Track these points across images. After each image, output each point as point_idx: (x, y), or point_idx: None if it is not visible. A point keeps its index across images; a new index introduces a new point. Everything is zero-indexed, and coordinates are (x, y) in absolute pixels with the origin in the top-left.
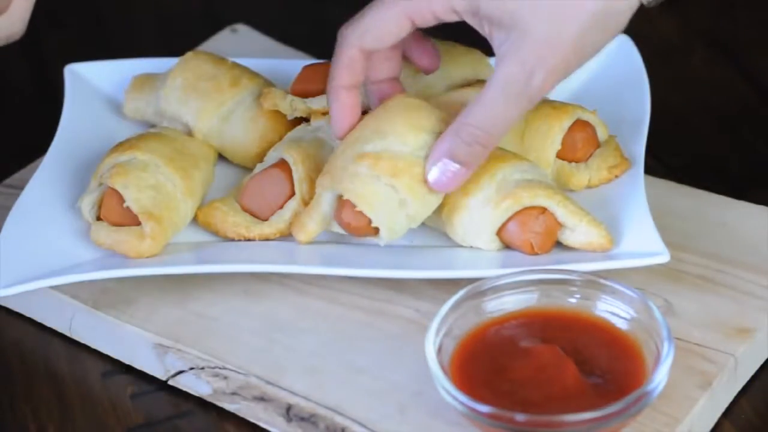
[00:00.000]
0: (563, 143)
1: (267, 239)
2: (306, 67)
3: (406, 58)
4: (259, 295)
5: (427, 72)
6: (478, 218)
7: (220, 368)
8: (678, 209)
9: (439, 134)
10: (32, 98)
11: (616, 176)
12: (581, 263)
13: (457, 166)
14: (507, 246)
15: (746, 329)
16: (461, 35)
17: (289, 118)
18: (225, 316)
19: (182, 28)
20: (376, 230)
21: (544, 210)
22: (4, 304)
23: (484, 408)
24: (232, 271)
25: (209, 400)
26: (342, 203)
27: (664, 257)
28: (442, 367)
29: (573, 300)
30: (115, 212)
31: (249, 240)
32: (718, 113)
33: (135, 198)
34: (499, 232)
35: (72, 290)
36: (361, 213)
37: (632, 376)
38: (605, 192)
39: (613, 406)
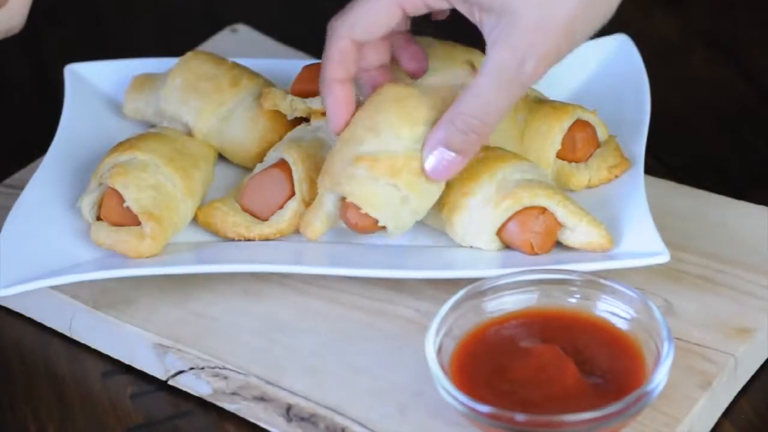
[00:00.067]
0: (563, 143)
1: (267, 239)
2: (306, 67)
3: (395, 61)
4: (259, 295)
5: (415, 77)
6: (478, 218)
7: (220, 368)
8: (678, 209)
9: (432, 123)
10: (32, 98)
11: (616, 176)
12: (581, 263)
13: (453, 154)
14: (507, 246)
15: (746, 329)
16: (461, 35)
17: (289, 118)
18: (225, 316)
19: (182, 28)
20: (384, 227)
21: (544, 210)
22: (4, 304)
23: (484, 408)
24: (232, 271)
25: (209, 400)
26: (346, 205)
27: (664, 257)
28: (442, 367)
29: (573, 300)
30: (115, 212)
31: (249, 240)
32: (718, 113)
33: (135, 198)
34: (499, 232)
35: (72, 290)
36: (366, 214)
37: (632, 376)
38: (605, 192)
39: (613, 406)
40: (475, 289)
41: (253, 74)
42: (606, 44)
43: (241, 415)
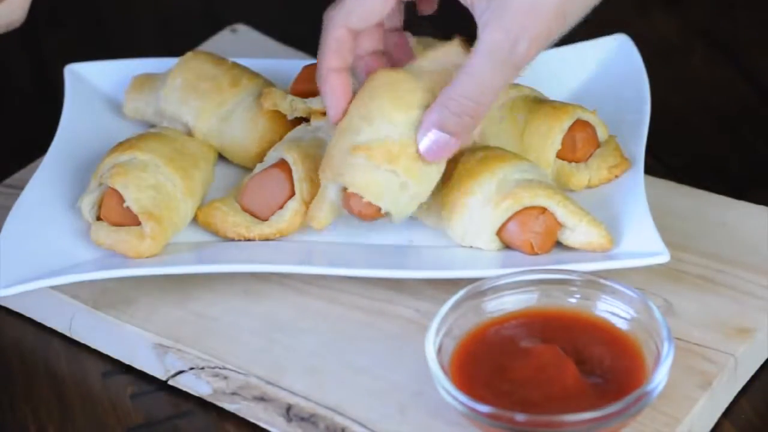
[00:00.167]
0: (563, 143)
1: (267, 239)
2: (306, 67)
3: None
4: (259, 295)
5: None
6: (478, 218)
7: (220, 368)
8: (678, 209)
9: (426, 106)
10: (32, 98)
11: (616, 176)
12: (581, 263)
13: (447, 136)
14: (507, 246)
15: (746, 329)
16: (460, 31)
17: (289, 118)
18: (225, 316)
19: (182, 28)
20: (387, 213)
21: (544, 210)
22: (4, 304)
23: (484, 408)
24: (232, 271)
25: (209, 400)
26: (348, 194)
27: (664, 257)
28: (442, 367)
29: (573, 300)
30: (115, 212)
31: (249, 240)
32: (718, 113)
33: (135, 198)
34: (499, 232)
35: (72, 290)
36: (368, 202)
37: (632, 376)
38: (605, 192)
39: (613, 406)
40: (475, 289)
41: (253, 74)
42: (606, 44)
43: (241, 415)
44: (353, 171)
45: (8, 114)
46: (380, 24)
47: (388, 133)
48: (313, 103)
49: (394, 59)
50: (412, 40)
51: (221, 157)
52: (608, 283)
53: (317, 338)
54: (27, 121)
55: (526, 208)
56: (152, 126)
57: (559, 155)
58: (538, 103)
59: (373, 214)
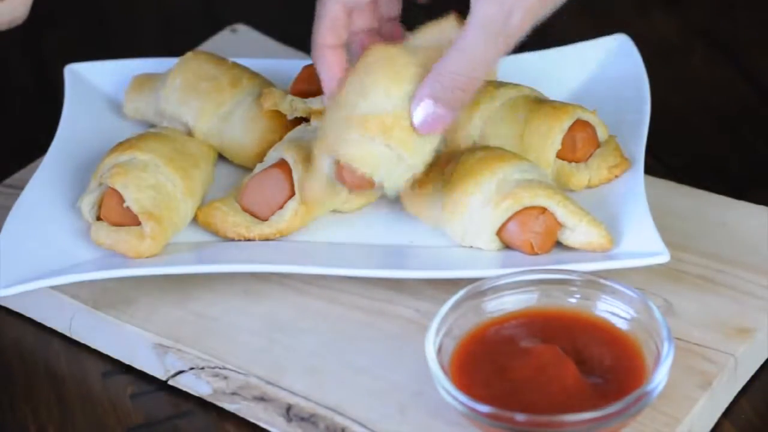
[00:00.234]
0: (563, 143)
1: (267, 239)
2: (306, 67)
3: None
4: (259, 295)
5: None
6: (478, 218)
7: (220, 368)
8: (678, 209)
9: (420, 81)
10: (32, 98)
11: (616, 176)
12: (581, 263)
13: (441, 109)
14: (507, 246)
15: (746, 329)
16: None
17: (289, 118)
18: (225, 316)
19: (182, 28)
20: (380, 186)
21: (544, 210)
22: (4, 304)
23: (484, 408)
24: (232, 271)
25: (209, 400)
26: (341, 166)
27: (664, 257)
28: (442, 367)
29: (573, 300)
30: (115, 212)
31: (249, 240)
32: (718, 113)
33: (135, 198)
34: (499, 232)
35: (72, 290)
36: (361, 174)
37: (632, 376)
38: (605, 192)
39: (613, 406)
40: (475, 289)
41: (253, 74)
42: (606, 44)
43: (241, 415)
44: (348, 144)
45: (8, 114)
46: (374, 1)
47: (382, 106)
48: (313, 103)
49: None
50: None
51: (221, 157)
52: (608, 283)
53: (317, 338)
54: (27, 121)
55: (526, 208)
56: (152, 126)
57: (559, 155)
58: (538, 103)
59: (366, 186)
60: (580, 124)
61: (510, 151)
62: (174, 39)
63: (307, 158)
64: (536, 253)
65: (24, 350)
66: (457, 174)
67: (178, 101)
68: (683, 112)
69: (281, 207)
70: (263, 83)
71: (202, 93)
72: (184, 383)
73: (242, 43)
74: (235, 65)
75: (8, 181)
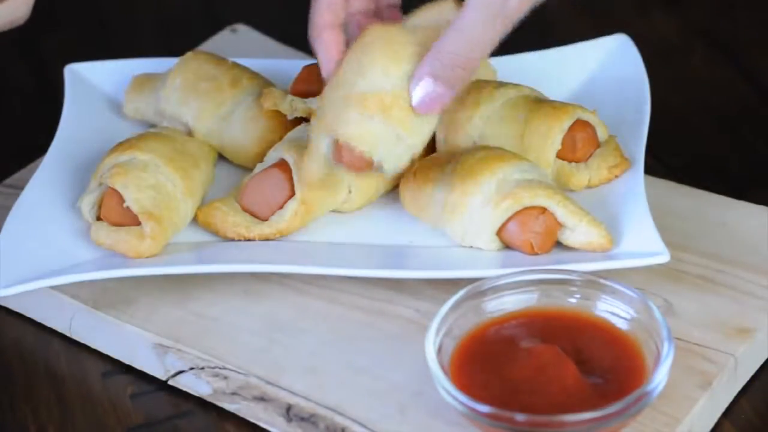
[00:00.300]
0: (563, 143)
1: (267, 239)
2: (306, 67)
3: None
4: (259, 295)
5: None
6: (478, 218)
7: (220, 368)
8: (678, 209)
9: (419, 61)
10: (32, 98)
11: (616, 176)
12: (581, 263)
13: (440, 88)
14: (507, 246)
15: (746, 329)
16: None
17: (289, 118)
18: (225, 316)
19: (182, 28)
20: (378, 167)
21: (544, 210)
22: (4, 304)
23: (484, 408)
24: (232, 271)
25: (209, 400)
26: (339, 146)
27: (664, 257)
28: (442, 367)
29: (573, 300)
30: (115, 212)
31: (249, 240)
32: (718, 113)
33: (135, 198)
34: (499, 232)
35: (72, 290)
36: (360, 154)
37: (632, 376)
38: (605, 192)
39: (613, 406)
40: (475, 289)
41: (253, 74)
42: (606, 44)
43: (241, 415)
44: (347, 123)
45: (8, 114)
46: None
47: (381, 85)
48: (313, 103)
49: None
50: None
51: (221, 157)
52: (608, 283)
53: (317, 338)
54: (27, 121)
55: (526, 208)
56: (152, 126)
57: (559, 155)
58: (538, 103)
59: (365, 167)
60: (580, 124)
61: (510, 151)
62: (174, 39)
63: None
64: (536, 253)
65: (24, 350)
66: (457, 174)
67: (178, 101)
68: (683, 112)
69: (281, 207)
70: (263, 83)
71: (202, 93)
72: (184, 383)
73: (242, 43)
74: (235, 65)
75: (8, 181)
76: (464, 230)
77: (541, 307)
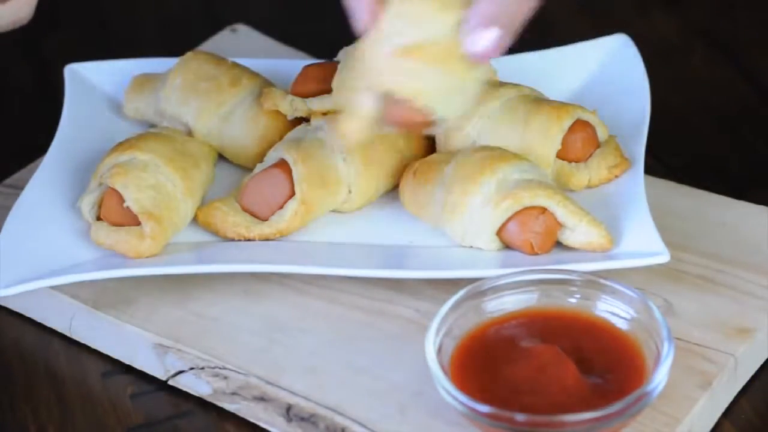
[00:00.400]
0: (563, 143)
1: (267, 239)
2: (306, 67)
3: None
4: (259, 295)
5: None
6: (478, 218)
7: (220, 368)
8: (678, 209)
9: (469, 7)
10: (32, 98)
11: (616, 176)
12: (581, 263)
13: (496, 33)
14: (507, 246)
15: (746, 329)
16: None
17: (289, 118)
18: (225, 316)
19: (182, 28)
20: (432, 122)
21: (544, 210)
22: (4, 304)
23: (484, 408)
24: (232, 271)
25: (209, 400)
26: (392, 101)
27: (664, 257)
28: (442, 367)
29: (573, 300)
30: (115, 212)
31: (249, 240)
32: (718, 113)
33: (135, 198)
34: (499, 232)
35: (72, 290)
36: (415, 108)
37: (632, 376)
38: (605, 192)
39: (613, 406)
40: (475, 289)
41: (253, 74)
42: (606, 44)
43: (241, 415)
44: (403, 75)
45: (8, 114)
46: None
47: (436, 34)
48: (313, 103)
49: None
50: None
51: (221, 157)
52: (608, 283)
53: (317, 338)
54: (27, 121)
55: (526, 208)
56: (152, 126)
57: (559, 155)
58: (538, 103)
59: (418, 123)
60: (580, 124)
61: (510, 151)
62: (174, 39)
63: (308, 158)
64: (536, 253)
65: (24, 350)
66: (457, 174)
67: (178, 101)
68: (683, 112)
69: (281, 207)
70: (263, 83)
71: (202, 93)
72: (184, 383)
73: (242, 43)
74: (235, 65)
75: (8, 181)
76: (464, 230)
77: (541, 307)
